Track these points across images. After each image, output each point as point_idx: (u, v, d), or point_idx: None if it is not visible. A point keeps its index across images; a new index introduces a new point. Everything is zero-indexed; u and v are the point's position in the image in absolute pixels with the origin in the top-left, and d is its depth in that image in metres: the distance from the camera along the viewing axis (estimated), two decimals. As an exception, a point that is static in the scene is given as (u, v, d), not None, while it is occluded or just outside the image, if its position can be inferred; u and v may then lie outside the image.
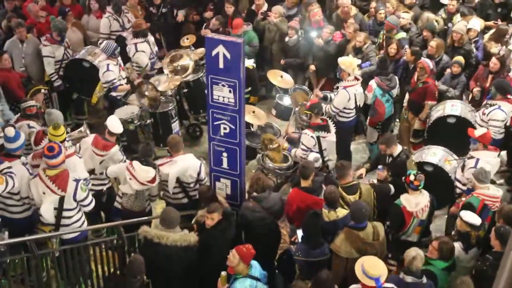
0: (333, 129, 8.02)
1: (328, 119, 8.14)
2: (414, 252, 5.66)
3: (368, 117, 9.37)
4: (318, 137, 7.82)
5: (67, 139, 7.35)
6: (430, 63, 8.84)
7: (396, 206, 6.62)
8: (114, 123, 7.52)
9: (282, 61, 10.56)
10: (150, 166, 6.98)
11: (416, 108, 9.03)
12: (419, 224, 6.62)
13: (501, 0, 10.82)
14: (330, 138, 7.94)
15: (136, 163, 6.90)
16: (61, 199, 6.44)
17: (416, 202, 6.54)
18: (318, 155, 7.67)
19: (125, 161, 7.34)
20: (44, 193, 6.41)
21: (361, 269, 5.39)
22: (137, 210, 7.12)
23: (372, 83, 8.98)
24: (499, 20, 10.53)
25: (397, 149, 7.45)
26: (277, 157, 8.37)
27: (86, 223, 6.83)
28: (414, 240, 6.66)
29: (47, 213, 6.47)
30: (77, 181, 6.49)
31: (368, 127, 9.45)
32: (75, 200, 6.52)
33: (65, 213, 6.51)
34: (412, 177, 6.55)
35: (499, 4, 10.91)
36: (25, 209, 6.84)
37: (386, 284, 5.43)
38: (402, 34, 9.94)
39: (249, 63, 9.77)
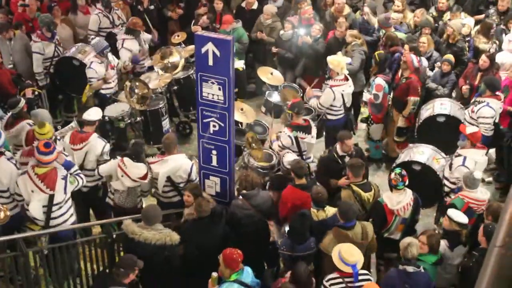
0: (314, 131, 7.89)
1: (311, 120, 8.03)
2: (408, 239, 5.71)
3: (371, 115, 9.25)
4: (296, 137, 7.69)
5: (58, 137, 7.33)
6: (414, 59, 8.73)
7: (378, 203, 6.63)
8: (89, 112, 7.56)
9: (274, 49, 10.45)
10: (141, 163, 6.97)
11: (400, 105, 8.97)
12: (401, 222, 6.61)
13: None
14: (309, 140, 7.79)
15: (127, 160, 6.91)
16: (51, 197, 6.42)
17: (397, 200, 6.52)
18: (295, 157, 7.47)
19: (115, 157, 7.32)
20: (32, 191, 6.40)
21: (338, 256, 5.42)
22: (129, 206, 7.12)
23: (381, 81, 8.86)
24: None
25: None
26: (260, 156, 8.07)
27: (75, 218, 6.83)
28: (397, 238, 6.58)
29: (36, 210, 6.46)
30: (65, 178, 6.47)
31: (374, 124, 9.30)
32: (65, 193, 6.51)
33: (54, 208, 6.50)
34: (392, 175, 6.57)
35: (491, 2, 10.89)
36: (14, 205, 6.82)
37: (362, 271, 5.46)
38: (400, 34, 9.86)
39: (239, 64, 9.70)
